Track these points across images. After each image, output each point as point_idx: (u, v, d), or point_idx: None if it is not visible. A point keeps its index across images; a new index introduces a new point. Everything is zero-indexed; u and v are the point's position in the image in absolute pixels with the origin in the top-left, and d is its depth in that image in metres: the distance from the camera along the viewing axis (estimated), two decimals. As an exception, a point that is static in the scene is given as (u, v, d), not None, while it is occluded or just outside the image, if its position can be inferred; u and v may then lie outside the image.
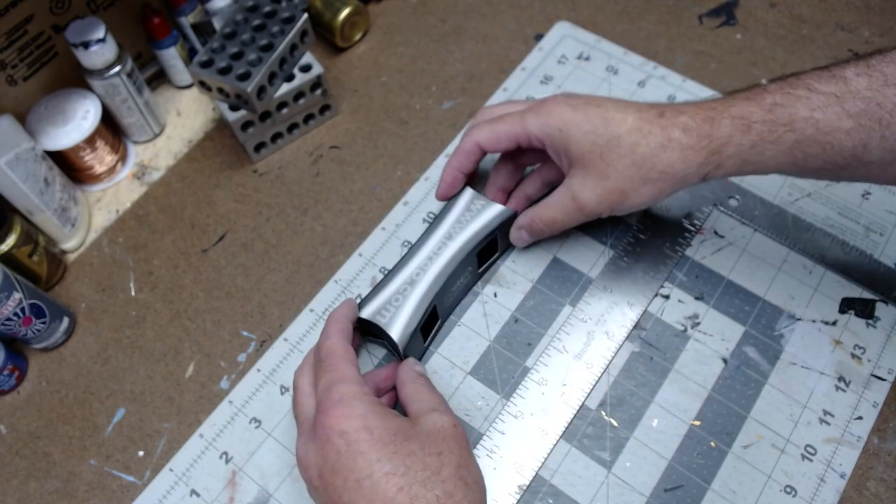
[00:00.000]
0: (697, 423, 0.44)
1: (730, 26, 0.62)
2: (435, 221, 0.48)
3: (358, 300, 0.50)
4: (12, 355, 0.49)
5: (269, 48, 0.52)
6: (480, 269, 0.50)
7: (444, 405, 0.40)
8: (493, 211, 0.48)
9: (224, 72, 0.52)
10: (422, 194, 0.55)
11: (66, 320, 0.51)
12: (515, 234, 0.49)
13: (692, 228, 0.51)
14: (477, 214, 0.48)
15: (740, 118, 0.39)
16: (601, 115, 0.42)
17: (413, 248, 0.47)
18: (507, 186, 0.50)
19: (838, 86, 0.37)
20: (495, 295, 0.50)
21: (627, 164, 0.41)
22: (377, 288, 0.46)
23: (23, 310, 0.47)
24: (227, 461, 0.46)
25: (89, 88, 0.55)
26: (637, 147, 0.40)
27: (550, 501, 0.43)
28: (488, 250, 0.49)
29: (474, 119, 0.49)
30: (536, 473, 0.43)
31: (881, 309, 0.47)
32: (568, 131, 0.42)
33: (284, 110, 0.56)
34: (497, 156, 0.51)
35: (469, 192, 0.49)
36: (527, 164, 0.50)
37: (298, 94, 0.56)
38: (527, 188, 0.51)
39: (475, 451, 0.44)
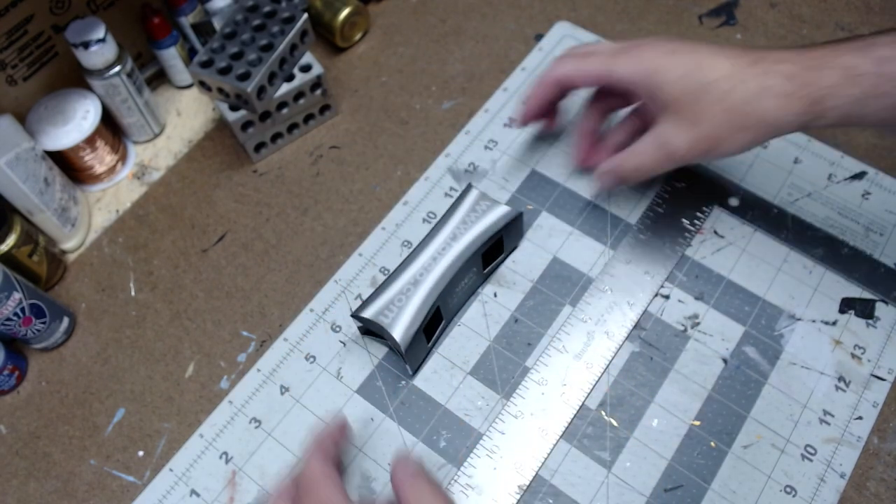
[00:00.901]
0: (697, 423, 0.44)
1: (730, 26, 0.62)
2: (440, 221, 0.48)
3: (359, 301, 0.50)
4: (12, 355, 0.49)
5: (269, 48, 0.52)
6: (486, 270, 0.50)
7: None
8: (499, 211, 0.48)
9: (224, 72, 0.52)
10: (422, 194, 0.55)
11: (66, 320, 0.51)
12: (600, 177, 0.48)
13: (692, 228, 0.51)
14: (482, 215, 0.48)
15: (847, 69, 0.38)
16: (695, 59, 0.41)
17: (417, 248, 0.47)
18: (593, 130, 0.50)
19: None
20: (495, 295, 0.50)
21: (721, 110, 0.40)
22: (381, 287, 0.46)
23: (23, 310, 0.47)
24: (227, 461, 0.46)
25: (89, 88, 0.55)
26: (731, 94, 0.40)
27: (550, 501, 0.43)
28: (494, 251, 0.49)
29: (563, 53, 0.48)
30: (536, 473, 0.43)
31: (881, 309, 0.47)
32: (659, 76, 0.42)
33: (284, 110, 0.56)
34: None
35: (475, 192, 0.49)
36: (614, 107, 0.50)
37: (298, 94, 0.56)
38: (614, 136, 0.50)
39: (475, 452, 0.44)
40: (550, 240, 0.52)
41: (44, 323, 0.49)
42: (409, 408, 0.46)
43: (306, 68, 0.55)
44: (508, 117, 0.57)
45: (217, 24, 0.59)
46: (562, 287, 0.50)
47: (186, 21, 0.59)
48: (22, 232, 0.50)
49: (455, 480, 0.44)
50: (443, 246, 0.47)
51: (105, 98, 0.55)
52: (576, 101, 0.57)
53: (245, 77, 0.51)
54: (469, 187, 0.49)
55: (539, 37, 0.62)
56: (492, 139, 0.56)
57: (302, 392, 0.47)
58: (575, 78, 0.46)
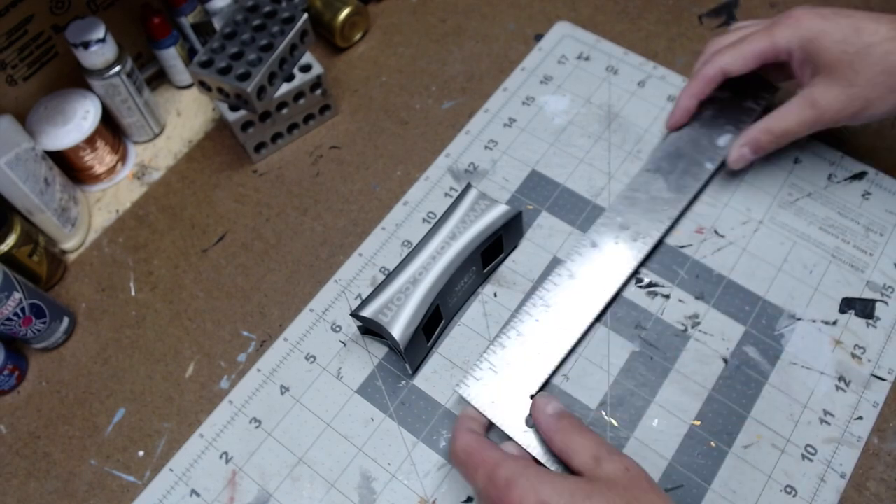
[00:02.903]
0: (697, 423, 0.44)
1: (730, 26, 0.62)
2: (439, 221, 0.48)
3: (359, 301, 0.50)
4: (12, 355, 0.49)
5: (269, 48, 0.52)
6: (486, 270, 0.50)
7: (605, 448, 0.37)
8: (498, 210, 0.48)
9: (224, 72, 0.52)
10: (422, 194, 0.55)
11: (66, 320, 0.51)
12: (736, 154, 0.49)
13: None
14: (481, 214, 0.48)
15: None
16: (853, 24, 0.43)
17: (416, 248, 0.47)
18: (702, 97, 0.51)
19: None
20: (495, 295, 0.50)
21: (878, 72, 0.42)
22: (380, 287, 0.46)
23: (23, 310, 0.47)
24: (227, 461, 0.46)
25: (89, 88, 0.55)
26: (889, 56, 0.42)
27: (550, 501, 0.43)
28: (493, 250, 0.49)
29: (707, 49, 0.50)
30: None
31: (881, 309, 0.47)
32: (819, 40, 0.44)
33: (284, 110, 0.56)
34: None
35: (474, 192, 0.49)
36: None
37: (298, 94, 0.56)
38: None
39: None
40: (550, 240, 0.52)
41: (44, 323, 0.49)
42: (409, 408, 0.46)
43: (306, 68, 0.55)
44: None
45: (217, 24, 0.59)
46: (562, 287, 0.50)
47: (186, 21, 0.59)
48: (22, 232, 0.50)
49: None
50: (442, 245, 0.47)
51: (105, 98, 0.55)
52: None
53: (245, 77, 0.51)
54: (468, 187, 0.49)
55: (539, 37, 0.62)
56: (492, 139, 0.56)
57: (302, 392, 0.47)
58: (735, 67, 0.47)
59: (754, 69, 0.47)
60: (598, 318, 0.47)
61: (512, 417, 0.42)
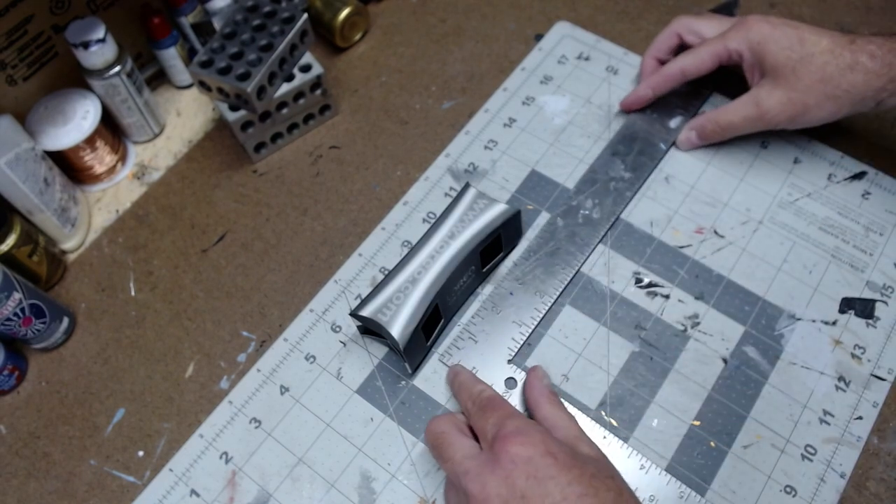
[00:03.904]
0: (697, 423, 0.44)
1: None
2: (437, 220, 0.48)
3: (359, 301, 0.50)
4: (12, 355, 0.49)
5: (268, 48, 0.52)
6: (485, 269, 0.50)
7: (584, 434, 0.40)
8: (497, 209, 0.48)
9: (224, 72, 0.52)
10: (422, 194, 0.55)
11: (65, 320, 0.51)
12: (684, 136, 0.54)
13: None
14: (480, 213, 0.48)
15: None
16: (798, 35, 0.47)
17: (415, 247, 0.47)
18: (660, 90, 0.54)
19: None
20: (495, 295, 0.50)
21: (816, 79, 0.46)
22: (379, 286, 0.46)
23: (23, 310, 0.47)
24: (226, 461, 0.46)
25: (89, 88, 0.55)
26: (827, 66, 0.46)
27: None
28: (492, 249, 0.49)
29: (671, 24, 0.55)
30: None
31: (881, 309, 0.47)
32: (765, 45, 0.48)
33: (284, 110, 0.56)
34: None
35: (472, 191, 0.49)
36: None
37: (298, 94, 0.56)
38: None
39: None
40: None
41: (44, 323, 0.49)
42: (409, 408, 0.46)
43: (306, 68, 0.55)
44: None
45: (217, 24, 0.59)
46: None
47: (186, 21, 0.59)
48: (22, 232, 0.50)
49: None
50: (440, 244, 0.47)
51: (105, 98, 0.55)
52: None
53: (245, 77, 0.51)
54: (466, 186, 0.49)
55: (539, 37, 0.62)
56: (492, 139, 0.57)
57: (302, 392, 0.47)
58: (693, 68, 0.52)
59: (710, 70, 0.51)
60: (565, 290, 0.49)
61: (492, 381, 0.46)
